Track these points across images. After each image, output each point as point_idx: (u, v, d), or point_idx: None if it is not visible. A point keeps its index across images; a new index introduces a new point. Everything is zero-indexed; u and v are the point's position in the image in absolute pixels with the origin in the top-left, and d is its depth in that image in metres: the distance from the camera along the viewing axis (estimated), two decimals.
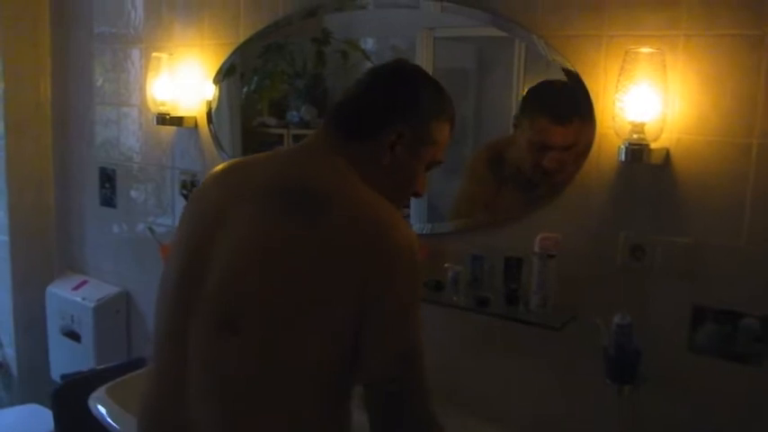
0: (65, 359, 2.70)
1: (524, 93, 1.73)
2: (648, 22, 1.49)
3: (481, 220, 1.79)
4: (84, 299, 2.64)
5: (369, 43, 2.10)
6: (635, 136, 1.44)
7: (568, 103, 1.60)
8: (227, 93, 2.31)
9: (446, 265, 1.74)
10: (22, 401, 2.83)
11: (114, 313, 2.64)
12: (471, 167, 1.91)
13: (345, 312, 1.06)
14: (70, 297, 2.70)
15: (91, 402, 1.87)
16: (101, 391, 1.89)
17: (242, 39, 2.20)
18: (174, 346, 1.16)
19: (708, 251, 1.47)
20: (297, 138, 2.19)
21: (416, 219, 1.92)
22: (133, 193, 2.62)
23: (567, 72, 1.58)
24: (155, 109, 2.32)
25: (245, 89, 2.32)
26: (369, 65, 2.01)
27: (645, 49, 1.43)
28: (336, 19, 2.03)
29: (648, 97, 1.42)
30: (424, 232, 1.88)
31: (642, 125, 1.43)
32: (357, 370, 1.10)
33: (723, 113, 1.43)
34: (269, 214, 1.10)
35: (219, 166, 1.29)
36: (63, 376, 2.22)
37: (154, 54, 2.33)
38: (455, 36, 1.90)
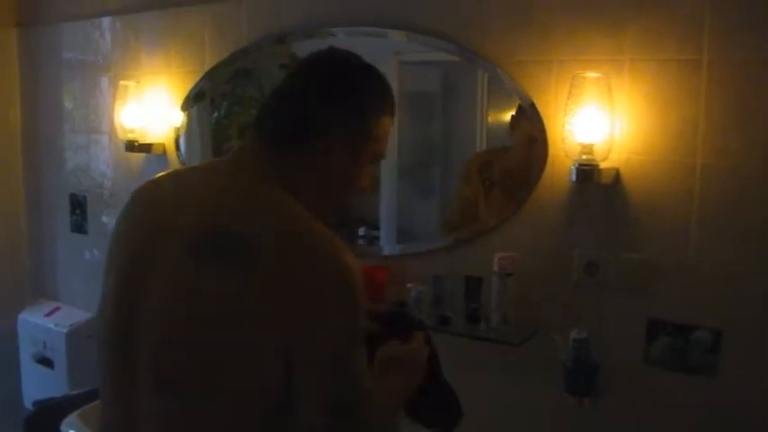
0: (37, 386, 2.70)
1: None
2: (596, 47, 1.55)
3: (445, 241, 1.84)
4: (56, 325, 2.64)
5: None
6: (584, 157, 1.49)
7: None
8: (198, 118, 2.35)
9: (409, 285, 1.78)
10: None
11: (86, 338, 2.63)
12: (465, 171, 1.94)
13: (281, 359, 0.97)
14: (42, 324, 2.70)
15: (63, 428, 1.88)
16: (73, 417, 1.91)
17: (208, 66, 2.24)
18: (118, 406, 1.09)
19: (659, 267, 1.53)
20: None
21: (386, 240, 1.96)
22: (104, 219, 2.64)
23: (521, 96, 1.64)
24: (123, 136, 2.35)
25: (215, 114, 2.35)
26: None
27: (591, 74, 1.49)
28: (305, 45, 2.04)
29: (596, 119, 1.48)
30: (393, 253, 1.92)
31: (591, 146, 1.49)
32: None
33: (668, 134, 1.50)
34: (191, 269, 1.00)
35: (153, 182, 1.18)
36: (35, 402, 2.22)
37: (121, 82, 2.36)
38: (421, 60, 1.93)
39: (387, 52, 1.89)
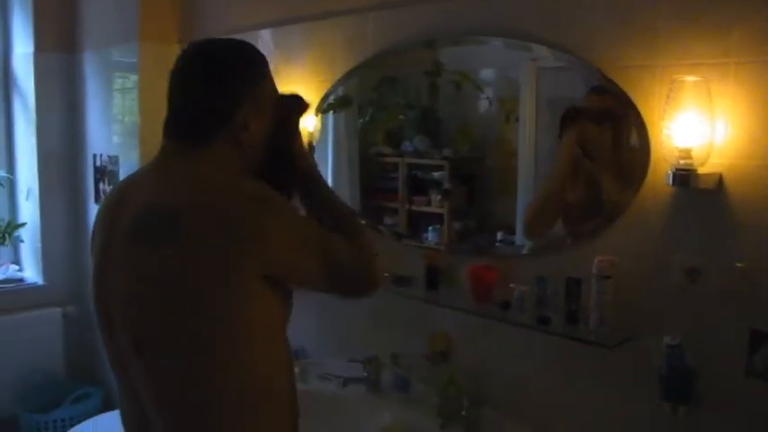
0: None
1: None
2: (699, 50, 1.53)
3: (547, 243, 1.88)
4: None
5: (487, 74, 2.17)
6: (682, 161, 1.48)
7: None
8: (345, 123, 2.50)
9: (512, 285, 1.84)
10: None
11: None
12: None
13: (240, 293, 1.13)
14: None
15: None
16: None
17: (338, 75, 2.41)
18: (119, 372, 1.27)
19: (763, 275, 1.48)
20: (411, 167, 2.32)
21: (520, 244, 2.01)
22: None
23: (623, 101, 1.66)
24: None
25: (360, 120, 2.48)
26: (481, 95, 2.13)
27: (690, 78, 1.48)
28: (451, 52, 2.13)
29: (694, 124, 1.46)
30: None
31: (689, 150, 1.48)
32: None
33: None
34: (135, 246, 1.15)
35: (111, 191, 1.39)
36: None
37: None
38: (557, 66, 1.88)
39: (524, 58, 1.93)
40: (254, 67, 1.28)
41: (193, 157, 1.21)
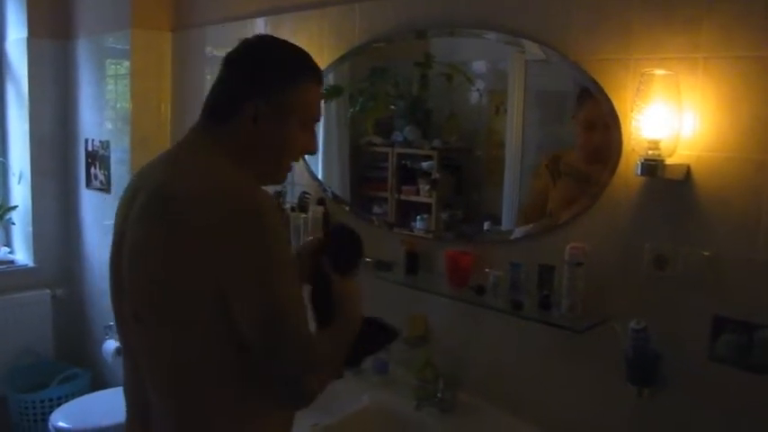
0: None
1: None
2: (670, 45, 1.58)
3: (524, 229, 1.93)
4: None
5: (478, 66, 2.20)
6: (650, 152, 1.54)
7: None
8: (336, 113, 2.53)
9: (486, 270, 1.89)
10: None
11: None
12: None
13: (212, 291, 1.14)
14: None
15: None
16: None
17: (325, 64, 2.45)
18: (122, 333, 1.35)
19: (727, 263, 1.54)
20: (400, 156, 2.34)
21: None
22: None
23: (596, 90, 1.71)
24: None
25: (351, 110, 2.51)
26: (472, 87, 2.17)
27: (659, 71, 1.53)
28: (440, 43, 2.16)
29: (662, 116, 1.51)
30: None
31: (657, 142, 1.53)
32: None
33: (740, 131, 1.50)
34: (140, 222, 1.22)
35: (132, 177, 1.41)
36: None
37: None
38: (545, 59, 1.88)
39: (511, 51, 1.96)
40: (288, 71, 1.28)
41: (209, 135, 1.26)
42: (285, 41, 1.32)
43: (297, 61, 1.30)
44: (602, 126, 1.71)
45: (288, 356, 1.17)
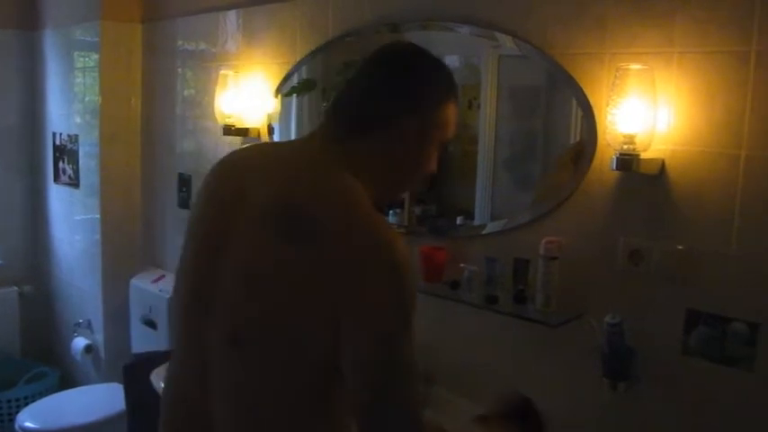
0: (143, 344, 3.00)
1: None
2: (644, 39, 1.58)
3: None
4: (160, 291, 2.93)
5: (451, 60, 2.13)
6: (625, 147, 1.54)
7: None
8: (308, 107, 2.51)
9: (462, 265, 1.88)
10: (108, 380, 3.17)
11: None
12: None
13: (332, 330, 1.06)
14: (150, 289, 3.01)
15: (152, 377, 2.13)
16: (163, 367, 2.15)
17: (298, 58, 2.42)
18: (192, 354, 1.22)
19: (701, 257, 1.54)
20: None
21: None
22: None
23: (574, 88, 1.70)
24: (222, 121, 2.58)
25: (324, 104, 2.46)
26: None
27: (634, 66, 1.53)
28: (414, 37, 2.09)
29: (637, 111, 1.51)
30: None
31: (632, 137, 1.53)
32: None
33: (714, 126, 1.51)
34: (265, 239, 1.11)
35: (233, 157, 1.30)
36: (134, 354, 2.50)
37: (221, 71, 2.59)
38: (519, 54, 1.87)
39: (485, 46, 1.96)
40: (441, 87, 1.23)
41: (342, 148, 1.17)
42: (430, 53, 1.25)
43: (448, 77, 1.24)
44: None
45: (390, 419, 1.08)
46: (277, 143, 1.26)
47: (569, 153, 1.90)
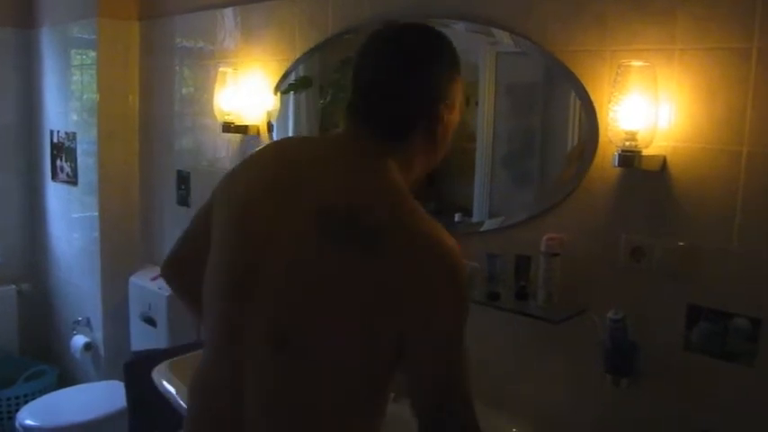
0: (143, 342, 3.00)
1: None
2: (646, 36, 1.58)
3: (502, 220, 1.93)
4: (160, 288, 2.92)
5: None
6: (627, 143, 1.54)
7: None
8: (306, 104, 2.51)
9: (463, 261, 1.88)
10: (108, 377, 3.17)
11: None
12: None
13: (390, 336, 1.08)
14: (149, 287, 3.01)
15: (154, 374, 2.12)
16: (163, 365, 2.15)
17: (297, 55, 2.42)
18: (226, 354, 1.19)
19: (702, 253, 1.55)
20: None
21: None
22: (205, 194, 2.88)
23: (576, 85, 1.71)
24: (221, 118, 2.58)
25: (321, 101, 2.48)
26: None
27: (636, 63, 1.53)
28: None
29: (639, 107, 1.52)
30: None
31: (634, 133, 1.53)
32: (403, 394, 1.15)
33: (715, 123, 1.51)
34: (320, 240, 1.09)
35: (266, 152, 1.30)
36: (134, 352, 2.49)
37: (220, 69, 2.59)
38: (518, 51, 1.88)
39: (481, 42, 1.95)
40: (456, 70, 1.24)
41: (387, 153, 1.17)
42: (431, 29, 1.27)
43: (453, 53, 1.25)
44: None
45: (458, 415, 1.12)
46: (311, 140, 1.33)
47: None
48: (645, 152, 1.54)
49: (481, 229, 1.97)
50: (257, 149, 1.30)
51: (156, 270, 3.09)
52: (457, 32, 1.95)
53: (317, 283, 1.09)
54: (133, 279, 3.12)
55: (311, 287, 1.10)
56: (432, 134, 1.21)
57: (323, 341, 1.10)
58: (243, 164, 1.28)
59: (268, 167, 1.23)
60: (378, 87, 1.20)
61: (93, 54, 3.18)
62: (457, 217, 2.07)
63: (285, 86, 2.48)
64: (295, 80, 2.46)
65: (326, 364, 1.11)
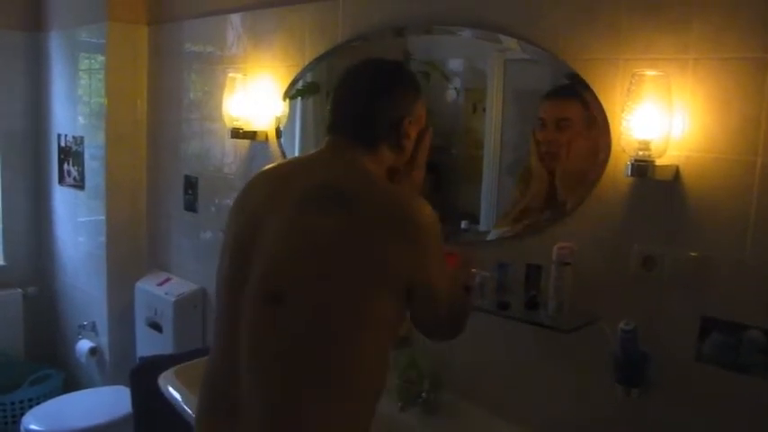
0: (148, 347, 3.00)
1: None
2: (660, 45, 1.57)
3: (510, 230, 1.92)
4: (166, 294, 2.92)
5: (455, 64, 2.18)
6: (640, 153, 1.53)
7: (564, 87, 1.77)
8: (313, 110, 2.51)
9: (473, 270, 1.87)
10: (113, 382, 3.16)
11: (192, 308, 2.91)
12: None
13: (378, 276, 1.31)
14: (155, 292, 3.00)
15: (160, 381, 2.12)
16: (169, 372, 2.14)
17: (307, 61, 2.42)
18: (228, 321, 1.40)
19: (715, 264, 1.53)
20: None
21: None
22: (213, 199, 2.89)
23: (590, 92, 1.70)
24: (230, 124, 2.58)
25: (328, 107, 2.47)
26: (449, 85, 2.14)
27: (650, 72, 1.52)
28: (418, 41, 2.14)
29: (653, 117, 1.51)
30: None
31: (648, 143, 1.52)
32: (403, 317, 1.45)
33: (730, 132, 1.50)
34: (308, 210, 1.34)
35: (267, 168, 1.55)
36: (140, 358, 2.49)
37: (230, 74, 2.59)
38: (525, 58, 1.88)
39: (492, 49, 1.95)
40: (418, 91, 1.52)
41: (359, 154, 1.43)
42: (393, 62, 1.61)
43: (414, 79, 1.55)
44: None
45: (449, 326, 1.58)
46: (299, 156, 1.67)
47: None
48: (658, 162, 1.53)
49: (488, 238, 1.95)
50: (255, 174, 1.55)
51: (163, 275, 3.10)
52: (463, 39, 1.96)
53: (303, 241, 1.33)
54: (139, 284, 3.12)
55: (297, 248, 1.33)
56: (398, 143, 1.48)
57: (308, 291, 1.30)
58: (246, 185, 1.54)
59: (263, 183, 1.50)
60: (348, 106, 1.48)
61: (101, 58, 3.18)
62: (463, 224, 2.06)
63: (293, 92, 2.48)
64: (302, 86, 2.46)
65: (310, 310, 1.30)
